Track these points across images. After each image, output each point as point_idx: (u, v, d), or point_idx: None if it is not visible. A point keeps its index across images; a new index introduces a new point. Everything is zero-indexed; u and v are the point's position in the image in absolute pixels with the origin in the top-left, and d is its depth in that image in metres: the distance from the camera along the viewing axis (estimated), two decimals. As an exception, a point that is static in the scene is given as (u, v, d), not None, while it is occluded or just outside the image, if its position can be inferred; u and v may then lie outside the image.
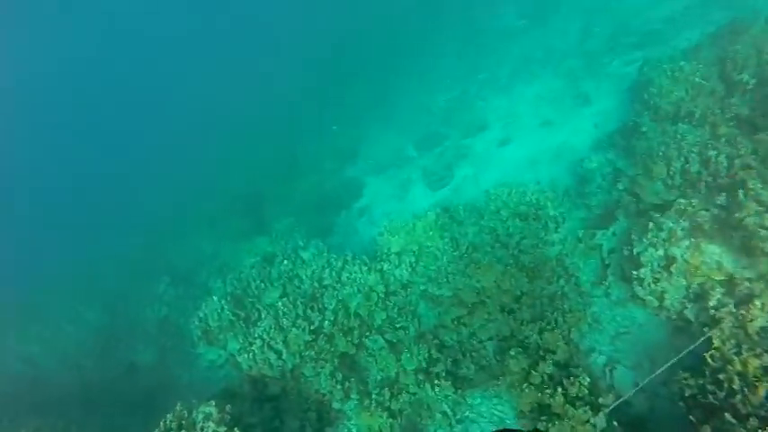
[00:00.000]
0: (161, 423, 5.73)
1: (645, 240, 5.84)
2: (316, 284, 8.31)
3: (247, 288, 9.39)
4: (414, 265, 8.00)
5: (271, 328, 7.38)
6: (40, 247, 20.82)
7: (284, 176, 16.57)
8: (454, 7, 21.76)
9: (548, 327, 6.44)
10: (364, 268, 8.00)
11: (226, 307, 8.95)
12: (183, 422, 5.31)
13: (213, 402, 5.57)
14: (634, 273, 5.73)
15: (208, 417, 5.33)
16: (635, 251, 5.99)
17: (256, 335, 7.36)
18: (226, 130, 24.23)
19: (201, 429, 5.19)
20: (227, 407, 5.58)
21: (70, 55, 41.37)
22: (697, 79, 7.59)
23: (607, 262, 6.90)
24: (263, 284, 9.24)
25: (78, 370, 12.69)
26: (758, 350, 4.29)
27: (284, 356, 7.13)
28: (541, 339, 6.35)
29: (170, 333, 12.51)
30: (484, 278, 7.25)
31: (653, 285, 5.45)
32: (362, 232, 12.54)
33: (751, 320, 4.56)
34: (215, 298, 9.07)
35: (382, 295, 7.82)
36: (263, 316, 7.96)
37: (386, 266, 8.00)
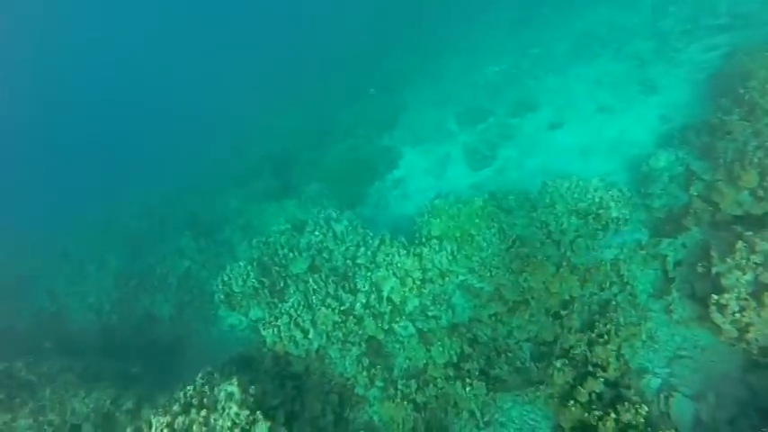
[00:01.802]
0: (181, 394, 5.48)
1: (729, 260, 5.15)
2: (348, 262, 7.87)
3: (274, 255, 9.03)
4: (455, 253, 7.45)
5: (299, 304, 7.02)
6: (69, 191, 20.99)
7: (316, 139, 15.97)
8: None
9: (599, 339, 5.90)
10: (402, 251, 7.49)
11: (251, 273, 8.64)
12: (205, 400, 5.03)
13: (235, 381, 5.26)
14: (714, 296, 5.08)
15: (230, 396, 5.03)
16: (714, 270, 5.31)
17: (283, 310, 7.01)
18: (261, 85, 23.58)
19: (223, 409, 4.89)
20: (251, 388, 5.26)
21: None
22: (807, 78, 6.60)
23: (672, 275, 6.23)
24: (291, 253, 8.86)
25: (97, 313, 12.78)
26: None
27: (311, 335, 6.80)
28: (591, 352, 5.82)
29: (190, 288, 12.39)
30: (532, 277, 6.68)
31: (737, 315, 4.81)
32: (395, 206, 11.99)
33: None
34: (241, 263, 8.75)
35: (418, 282, 7.34)
36: (290, 290, 7.61)
37: (425, 251, 7.47)
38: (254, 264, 8.88)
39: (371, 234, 8.20)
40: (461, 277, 7.42)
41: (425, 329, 7.25)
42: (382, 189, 12.76)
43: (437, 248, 7.50)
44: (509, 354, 6.76)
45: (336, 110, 17.58)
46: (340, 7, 25.74)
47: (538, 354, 6.65)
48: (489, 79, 15.01)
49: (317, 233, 8.94)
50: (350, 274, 7.67)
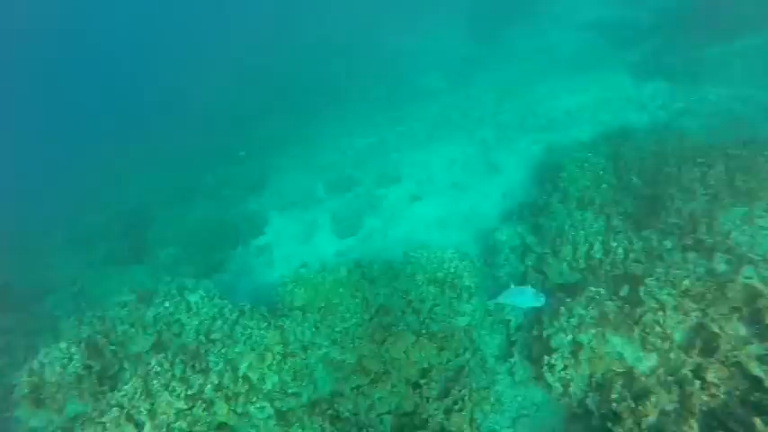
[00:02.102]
0: None
1: (555, 324, 5.91)
2: (202, 338, 7.07)
3: (111, 333, 7.70)
4: (318, 324, 7.25)
5: (136, 392, 5.97)
6: None
7: (178, 198, 14.80)
8: (381, 59, 22.43)
9: (454, 406, 6.11)
10: (263, 324, 7.02)
11: (76, 356, 7.18)
12: None
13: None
14: (546, 358, 5.71)
15: None
16: (545, 333, 6.02)
17: (114, 401, 5.89)
18: (116, 136, 21.46)
19: None
20: None
21: None
22: (600, 172, 8.31)
23: (513, 338, 6.90)
24: (132, 329, 7.66)
25: None
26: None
27: (146, 429, 5.77)
28: (447, 420, 5.98)
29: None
30: (393, 346, 6.77)
31: (562, 373, 5.45)
32: (258, 274, 11.43)
33: (645, 416, 4.66)
34: (63, 344, 7.26)
35: (279, 356, 6.88)
36: (127, 374, 6.48)
37: (287, 323, 7.12)
38: (82, 344, 7.44)
39: (230, 305, 7.57)
40: (324, 350, 7.19)
41: (284, 409, 6.72)
42: (246, 255, 12.16)
43: (300, 320, 7.22)
44: (370, 429, 6.59)
45: (202, 170, 16.71)
46: (214, 67, 25.46)
47: (398, 426, 6.59)
48: (358, 150, 15.90)
49: (167, 304, 7.95)
50: (202, 352, 6.87)
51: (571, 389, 5.42)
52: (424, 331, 7.10)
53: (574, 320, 5.74)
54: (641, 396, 4.79)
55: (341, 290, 7.66)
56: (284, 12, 31.00)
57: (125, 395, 5.95)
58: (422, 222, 11.44)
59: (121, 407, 5.84)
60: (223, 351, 6.76)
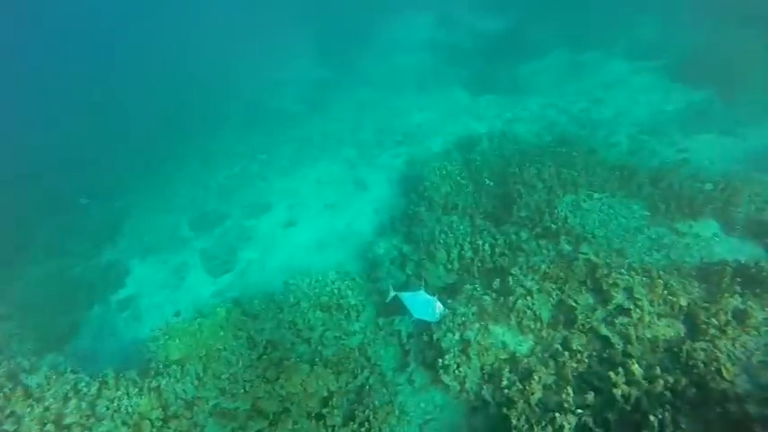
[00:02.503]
0: None
1: (443, 326, 6.20)
2: (50, 427, 5.71)
3: None
4: (201, 375, 6.47)
5: None
6: None
7: (3, 261, 11.98)
8: (234, 86, 21.57)
9: (361, 429, 5.97)
10: (133, 390, 5.99)
11: None
12: None
13: None
14: (439, 360, 5.93)
15: None
16: (434, 336, 6.28)
17: None
18: None
19: None
20: None
21: None
22: (458, 178, 9.10)
23: (407, 348, 7.04)
24: (-63, 444, 5.85)
25: None
26: (542, 422, 4.81)
27: None
28: (356, 446, 5.80)
29: None
30: (288, 381, 6.37)
31: (457, 371, 5.72)
32: (125, 332, 9.85)
33: (532, 394, 5.14)
34: None
35: (159, 423, 5.93)
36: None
37: (164, 382, 6.19)
38: None
39: (87, 378, 6.30)
40: (213, 402, 6.43)
41: (174, 485, 5.82)
42: (105, 314, 10.39)
43: (178, 375, 6.36)
44: (277, 478, 6.07)
45: (33, 224, 13.86)
46: (50, 99, 21.57)
47: (307, 466, 6.21)
48: (221, 183, 14.91)
49: (-9, 399, 6.27)
50: (51, 447, 5.57)
51: (467, 384, 5.71)
52: (317, 359, 6.84)
53: (458, 319, 6.11)
54: (526, 377, 5.28)
55: (221, 333, 6.99)
56: (134, 45, 27.96)
57: None
58: (299, 247, 11.14)
59: None
60: (81, 438, 5.58)
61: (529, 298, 5.93)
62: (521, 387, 5.17)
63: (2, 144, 18.76)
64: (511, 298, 5.99)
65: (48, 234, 13.46)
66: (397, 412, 6.38)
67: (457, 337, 6.00)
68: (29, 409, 5.91)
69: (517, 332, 5.84)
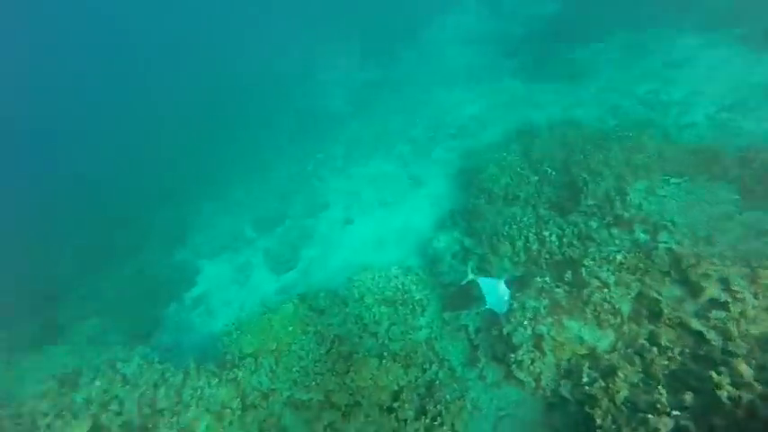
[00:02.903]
0: None
1: (513, 320, 6.03)
2: (147, 410, 6.16)
3: (33, 430, 6.45)
4: (274, 368, 6.71)
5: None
6: None
7: (92, 265, 13.11)
8: (285, 91, 22.21)
9: (433, 423, 5.94)
10: (213, 380, 6.33)
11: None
12: None
13: None
14: (511, 355, 5.78)
15: None
16: (505, 331, 6.12)
17: None
18: (26, 209, 18.68)
19: None
20: None
21: None
22: (518, 169, 8.82)
23: (476, 343, 6.93)
24: (59, 420, 6.47)
25: None
26: (631, 423, 4.54)
27: None
28: (429, 440, 5.78)
29: None
30: (358, 375, 6.46)
31: (531, 367, 5.55)
32: (200, 326, 10.45)
33: (617, 392, 4.87)
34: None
35: (239, 412, 6.23)
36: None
37: (240, 374, 6.50)
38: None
39: (172, 368, 6.74)
40: (287, 393, 6.66)
41: (253, 472, 6.08)
42: (181, 310, 11.08)
43: (253, 368, 6.64)
44: (352, 469, 6.18)
45: (113, 230, 15.06)
46: (119, 122, 23.43)
47: (380, 458, 6.27)
48: (279, 183, 15.42)
49: (97, 383, 6.87)
50: (150, 426, 5.99)
51: (542, 381, 5.53)
52: (385, 353, 6.88)
53: (529, 313, 5.91)
54: (609, 374, 5.01)
55: (290, 328, 7.21)
56: (187, 57, 29.66)
57: None
58: (359, 245, 11.28)
59: None
60: (173, 420, 5.97)
61: (605, 290, 5.63)
62: (603, 385, 4.92)
63: (84, 160, 20.45)
64: (585, 290, 5.72)
65: (126, 239, 14.54)
66: (469, 407, 6.30)
67: (529, 331, 5.82)
68: (128, 393, 6.40)
69: (595, 327, 5.57)
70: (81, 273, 12.98)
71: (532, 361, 5.57)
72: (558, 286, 6.11)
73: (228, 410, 6.21)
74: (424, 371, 6.83)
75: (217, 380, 6.43)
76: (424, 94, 17.98)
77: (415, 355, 6.97)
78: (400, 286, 7.61)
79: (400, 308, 7.46)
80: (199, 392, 6.22)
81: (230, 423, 6.16)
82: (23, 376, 8.57)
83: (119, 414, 6.38)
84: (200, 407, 6.08)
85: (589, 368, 5.23)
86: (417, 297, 7.55)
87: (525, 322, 5.90)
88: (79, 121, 26.05)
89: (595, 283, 5.73)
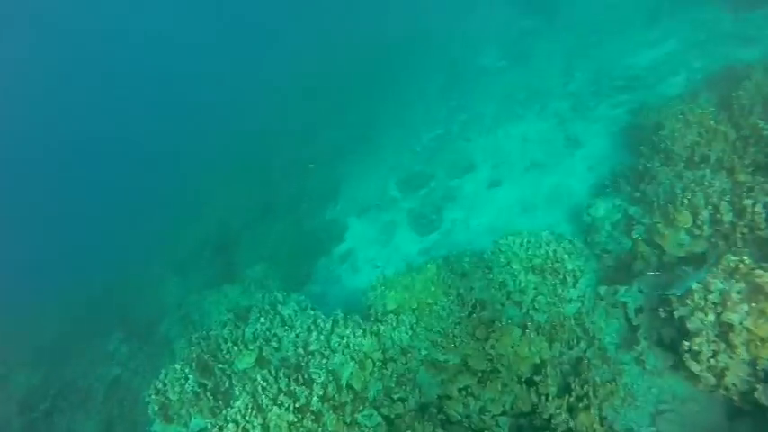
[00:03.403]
0: None
1: (690, 302, 5.09)
2: (300, 350, 7.09)
3: (217, 351, 8.01)
4: (414, 326, 6.98)
5: (247, 407, 6.09)
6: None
7: (258, 217, 15.37)
8: (434, 47, 21.83)
9: (579, 403, 5.51)
10: (358, 331, 6.89)
11: (190, 376, 7.54)
12: None
13: None
14: (685, 343, 4.93)
15: None
16: (676, 314, 5.23)
17: (229, 417, 6.04)
18: (195, 165, 22.95)
19: None
20: None
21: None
22: (712, 122, 7.21)
23: (636, 323, 6.12)
24: (235, 347, 7.91)
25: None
26: None
27: (262, 445, 5.84)
28: (573, 420, 5.40)
29: (121, 400, 10.78)
30: (499, 342, 6.31)
31: (712, 360, 4.66)
32: (345, 281, 11.45)
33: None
34: (177, 365, 7.66)
35: (379, 363, 6.71)
36: (236, 390, 6.64)
37: (382, 328, 6.93)
38: (194, 364, 7.81)
39: (323, 316, 7.54)
40: (424, 352, 6.89)
41: (392, 416, 6.53)
42: (330, 264, 12.25)
43: (395, 324, 7.00)
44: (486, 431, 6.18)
45: (276, 187, 17.26)
46: (274, 84, 26.32)
47: (517, 428, 6.12)
48: (425, 145, 15.50)
49: (262, 320, 8.12)
50: (303, 364, 6.88)
51: (728, 379, 4.60)
52: (529, 323, 6.55)
53: (714, 297, 4.90)
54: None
55: (432, 288, 7.33)
56: (324, 18, 31.34)
57: (238, 411, 6.07)
58: (505, 208, 10.79)
59: (236, 422, 5.96)
60: (323, 362, 6.72)
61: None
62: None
63: (252, 128, 23.43)
64: (806, 277, 4.47)
65: (286, 195, 16.44)
66: (621, 393, 5.68)
67: (711, 318, 4.85)
68: (285, 333, 7.41)
69: (814, 323, 4.35)
70: (248, 224, 15.16)
71: (714, 353, 4.66)
72: (762, 268, 4.90)
73: (371, 361, 6.69)
74: (571, 347, 6.34)
75: (361, 331, 6.95)
76: (587, 42, 15.78)
77: (561, 329, 6.49)
78: (551, 254, 7.04)
79: (549, 277, 6.95)
80: (345, 340, 6.82)
81: (371, 373, 6.65)
82: (211, 309, 10.63)
83: (277, 350, 7.43)
84: (347, 354, 6.68)
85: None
86: (570, 267, 6.92)
87: (707, 307, 4.92)
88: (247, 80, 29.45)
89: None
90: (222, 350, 7.98)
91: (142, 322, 13.44)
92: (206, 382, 7.58)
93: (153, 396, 7.63)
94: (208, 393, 7.41)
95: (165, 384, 7.57)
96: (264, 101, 25.52)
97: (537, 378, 6.03)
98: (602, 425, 5.35)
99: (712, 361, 4.66)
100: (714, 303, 4.88)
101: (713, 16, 12.55)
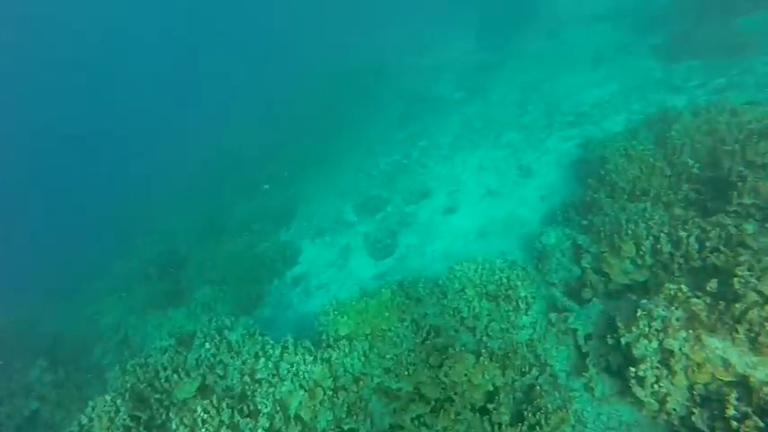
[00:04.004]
0: None
1: (635, 330, 5.26)
2: (246, 378, 6.68)
3: (154, 380, 7.40)
4: (367, 352, 6.78)
5: (183, 444, 5.60)
6: None
7: (208, 237, 14.73)
8: (394, 77, 22.37)
9: None
10: (309, 358, 6.60)
11: (122, 408, 6.89)
12: None
13: None
14: (631, 369, 5.05)
15: None
16: (623, 341, 5.38)
17: (162, 455, 5.53)
18: (149, 180, 21.93)
19: None
20: None
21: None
22: (651, 159, 7.69)
23: (585, 350, 6.24)
24: (175, 375, 7.35)
25: None
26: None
27: (200, 485, 5.36)
28: (525, 448, 5.35)
29: (38, 438, 9.70)
30: (452, 370, 6.22)
31: (656, 386, 4.79)
32: (297, 305, 11.07)
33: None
34: (107, 396, 6.99)
35: (330, 391, 6.42)
36: (173, 424, 6.11)
37: (334, 355, 6.68)
38: (127, 395, 7.16)
39: (271, 341, 7.18)
40: (377, 380, 6.68)
41: (343, 448, 6.23)
42: (282, 287, 11.85)
43: (347, 350, 6.77)
44: (439, 463, 6.00)
45: (229, 207, 16.72)
46: (233, 107, 25.93)
47: (470, 458, 5.99)
48: (383, 170, 15.60)
49: (207, 346, 7.63)
50: (249, 394, 6.47)
51: (669, 404, 4.73)
52: (483, 350, 6.52)
53: (657, 324, 5.09)
54: None
55: (387, 314, 7.19)
56: (287, 40, 31.61)
57: (175, 448, 5.58)
58: (460, 235, 10.93)
59: (172, 461, 5.47)
60: (270, 391, 6.35)
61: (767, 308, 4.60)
62: (762, 425, 4.02)
63: (207, 148, 22.87)
64: (737, 305, 4.73)
65: (239, 215, 15.94)
66: (572, 421, 5.72)
67: (654, 344, 5.02)
68: (231, 360, 6.98)
69: (748, 351, 4.58)
70: (197, 245, 14.53)
71: (657, 379, 4.80)
72: (697, 296, 5.16)
73: (321, 389, 6.41)
74: (523, 374, 6.35)
75: (312, 357, 6.67)
76: (541, 78, 16.73)
77: (514, 356, 6.50)
78: (505, 280, 7.13)
79: (503, 304, 7.01)
80: (294, 368, 6.51)
81: (321, 402, 6.35)
82: (152, 333, 9.93)
83: (222, 378, 6.97)
84: (295, 382, 6.36)
85: (737, 399, 4.33)
86: (522, 294, 7.02)
87: (650, 333, 5.09)
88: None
89: (753, 297, 4.71)
90: (161, 378, 7.39)
91: (74, 347, 12.32)
92: (140, 414, 6.95)
93: (76, 431, 6.89)
94: (141, 427, 6.79)
95: (90, 419, 6.87)
96: (221, 123, 25.02)
97: (490, 406, 5.96)
98: (553, 453, 5.33)
99: (656, 386, 4.79)
100: (657, 330, 5.07)
101: (646, 65, 13.72)
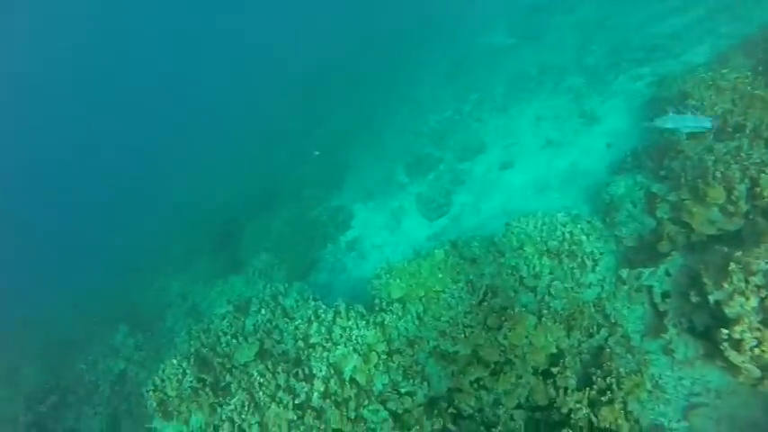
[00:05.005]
0: None
1: (727, 286, 4.54)
2: (300, 343, 6.71)
3: (216, 344, 7.69)
4: (422, 315, 6.53)
5: (243, 405, 5.75)
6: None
7: (262, 206, 15.00)
8: (440, 29, 21.07)
9: (601, 397, 5.02)
10: (361, 322, 6.48)
11: (188, 370, 7.24)
12: None
13: None
14: (722, 331, 4.40)
15: None
16: (711, 298, 4.68)
17: (224, 416, 5.71)
18: (200, 156, 22.77)
19: None
20: None
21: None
22: (748, 88, 6.53)
23: (662, 309, 5.58)
24: (235, 340, 7.58)
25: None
26: None
27: (260, 444, 5.50)
28: (595, 415, 4.91)
29: (127, 395, 10.62)
30: (512, 332, 5.83)
31: (756, 350, 4.12)
32: (352, 269, 11.04)
33: None
34: (174, 360, 7.35)
35: (384, 355, 6.29)
36: (233, 387, 6.31)
37: (387, 318, 6.49)
38: (192, 358, 7.50)
39: (324, 306, 7.12)
40: (432, 343, 6.44)
41: (400, 411, 6.12)
42: (336, 252, 11.84)
43: (400, 313, 6.56)
44: (500, 427, 5.73)
45: (281, 175, 16.89)
46: (278, 72, 25.91)
47: (533, 423, 5.67)
48: (433, 127, 14.88)
49: (263, 312, 7.77)
50: (303, 358, 6.50)
51: (773, 371, 4.08)
52: (545, 311, 6.05)
53: (757, 279, 4.34)
54: None
55: (440, 275, 6.86)
56: (329, 6, 30.79)
57: (234, 409, 5.74)
58: (517, 190, 10.23)
59: (232, 421, 5.63)
60: (324, 355, 6.32)
61: None
62: None
63: (257, 117, 23.08)
64: None
65: (291, 183, 16.02)
66: (648, 385, 5.18)
67: (754, 302, 4.30)
68: (286, 325, 7.03)
69: None
70: (254, 214, 14.79)
71: (760, 342, 4.12)
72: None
73: (375, 353, 6.28)
74: (591, 335, 5.83)
75: (364, 322, 6.53)
76: (603, 13, 14.95)
77: (580, 317, 5.98)
78: (568, 236, 6.50)
79: (566, 261, 6.43)
80: (347, 332, 6.41)
81: (376, 366, 6.24)
82: (214, 300, 10.34)
83: (279, 342, 7.05)
84: (349, 346, 6.27)
85: None
86: (588, 249, 6.38)
87: (749, 289, 4.36)
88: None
89: None
90: (221, 343, 7.65)
91: (150, 315, 13.29)
92: (205, 377, 7.26)
93: (151, 392, 7.34)
94: (207, 389, 7.09)
95: (162, 380, 7.27)
96: (268, 90, 25.11)
97: (554, 369, 5.55)
98: (627, 420, 4.86)
99: (756, 351, 4.12)
100: (757, 286, 4.33)
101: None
